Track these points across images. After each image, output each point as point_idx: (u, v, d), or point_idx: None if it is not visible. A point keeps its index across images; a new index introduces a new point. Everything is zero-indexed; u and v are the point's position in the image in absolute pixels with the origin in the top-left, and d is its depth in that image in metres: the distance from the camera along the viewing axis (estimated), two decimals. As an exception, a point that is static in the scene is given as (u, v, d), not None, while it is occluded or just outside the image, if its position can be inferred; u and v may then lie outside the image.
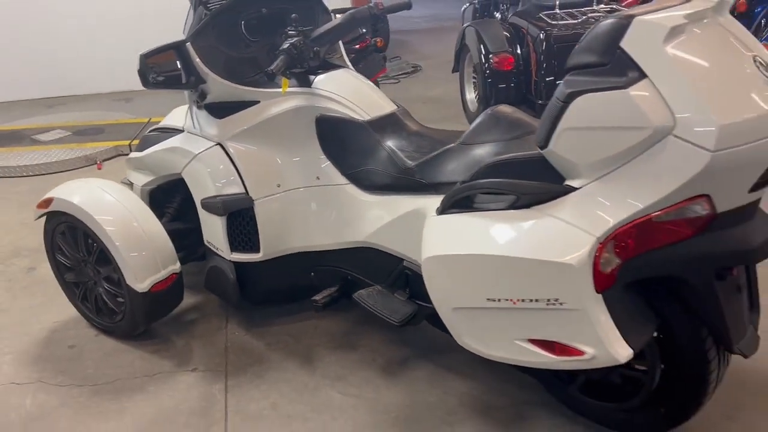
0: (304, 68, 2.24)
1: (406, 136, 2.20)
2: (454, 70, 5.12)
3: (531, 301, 1.57)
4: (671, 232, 1.49)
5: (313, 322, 2.56)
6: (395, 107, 2.33)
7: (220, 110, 2.33)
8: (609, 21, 1.47)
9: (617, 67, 1.44)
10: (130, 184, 2.77)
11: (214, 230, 2.35)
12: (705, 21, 1.52)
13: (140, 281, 2.29)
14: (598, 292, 1.50)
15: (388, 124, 2.24)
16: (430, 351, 2.34)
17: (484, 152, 1.88)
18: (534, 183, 1.61)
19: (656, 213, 1.46)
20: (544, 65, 4.11)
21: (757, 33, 4.81)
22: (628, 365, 1.79)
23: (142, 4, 6.23)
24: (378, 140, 2.18)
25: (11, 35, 6.25)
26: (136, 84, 2.23)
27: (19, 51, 6.30)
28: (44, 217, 2.52)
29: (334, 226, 2.29)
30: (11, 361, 2.44)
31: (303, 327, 2.54)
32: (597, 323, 1.51)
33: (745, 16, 5.21)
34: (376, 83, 4.98)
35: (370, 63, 4.81)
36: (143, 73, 2.17)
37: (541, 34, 4.10)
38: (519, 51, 4.39)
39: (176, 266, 2.39)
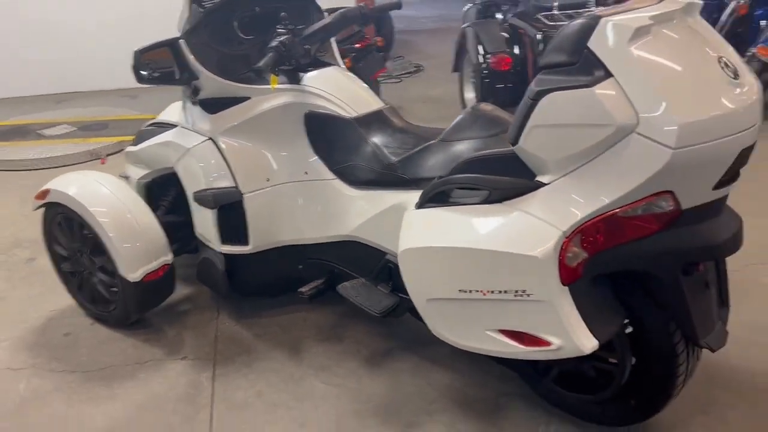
0: (292, 65, 2.30)
1: (392, 132, 2.25)
2: (453, 70, 5.17)
3: (500, 292, 1.62)
4: (637, 227, 1.54)
5: (302, 314, 2.62)
6: (382, 104, 2.38)
7: (213, 106, 2.39)
8: (578, 22, 1.52)
9: (585, 67, 1.48)
10: (128, 178, 2.84)
11: (205, 223, 2.42)
12: (673, 22, 1.57)
13: (132, 271, 2.35)
14: (564, 284, 1.55)
15: (374, 120, 2.29)
16: (414, 343, 2.39)
17: (462, 149, 1.93)
18: (505, 179, 1.66)
19: (622, 208, 1.50)
20: (541, 66, 4.14)
21: (757, 36, 4.82)
22: (600, 358, 1.84)
23: (148, 4, 6.31)
24: (364, 136, 2.24)
25: (21, 33, 6.37)
26: (141, 81, 2.31)
27: (28, 48, 6.42)
28: (43, 209, 2.59)
29: (321, 220, 2.35)
30: (8, 348, 2.51)
31: (292, 319, 2.60)
32: (563, 315, 1.55)
33: (746, 20, 5.22)
34: (377, 82, 5.05)
35: (371, 62, 4.88)
36: (137, 69, 2.24)
37: (538, 35, 4.15)
38: (517, 52, 4.43)
39: (168, 257, 2.45)
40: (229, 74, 2.36)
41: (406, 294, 1.92)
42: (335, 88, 2.34)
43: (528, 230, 1.57)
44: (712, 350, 1.71)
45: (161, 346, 2.49)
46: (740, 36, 5.28)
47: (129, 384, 2.29)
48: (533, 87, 1.54)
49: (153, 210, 2.56)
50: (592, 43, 1.47)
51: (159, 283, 2.44)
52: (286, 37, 2.20)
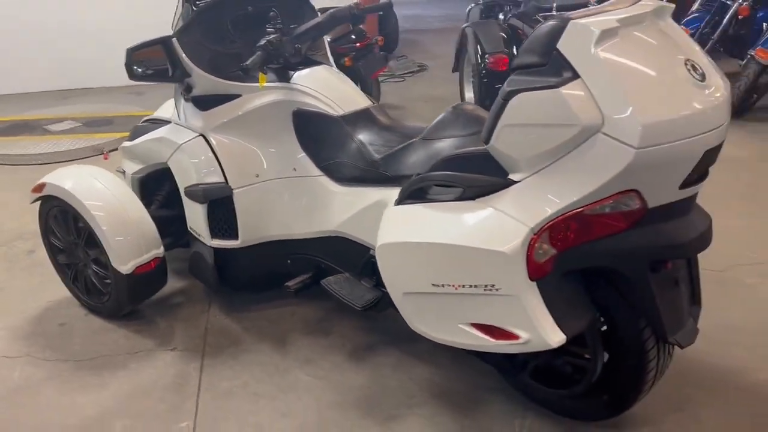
0: (281, 64, 2.35)
1: (377, 130, 2.30)
2: (453, 70, 5.20)
3: (470, 287, 1.66)
4: (605, 224, 1.57)
5: (290, 308, 2.67)
6: (369, 103, 2.43)
7: (205, 103, 2.44)
8: (549, 23, 1.55)
9: (554, 68, 1.52)
10: (124, 172, 2.91)
11: (196, 217, 2.47)
12: (644, 24, 1.60)
13: (124, 263, 2.41)
14: (532, 279, 1.59)
15: (360, 119, 2.34)
16: (399, 338, 2.44)
17: (442, 147, 1.97)
18: (479, 176, 1.70)
19: (589, 206, 1.54)
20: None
21: (758, 37, 4.82)
22: (574, 353, 1.88)
23: (158, 1, 6.38)
24: (350, 134, 2.28)
25: (31, 30, 6.46)
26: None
27: (36, 45, 6.51)
28: (39, 202, 2.66)
29: (308, 216, 2.40)
30: (4, 336, 2.58)
31: (281, 313, 2.65)
32: (530, 309, 1.59)
33: (747, 22, 5.23)
34: (377, 81, 5.10)
35: (371, 60, 4.93)
36: (129, 66, 2.30)
37: (536, 36, 4.16)
38: (515, 52, 4.46)
39: (159, 251, 2.51)
40: (221, 72, 2.41)
41: (388, 289, 1.96)
42: (324, 87, 2.39)
43: (498, 226, 1.61)
44: (681, 347, 1.74)
45: (153, 337, 2.55)
46: (742, 38, 5.29)
47: (119, 373, 2.35)
48: (505, 87, 1.58)
49: (147, 204, 2.62)
50: (561, 45, 1.51)
51: (150, 276, 2.50)
52: (274, 36, 2.25)
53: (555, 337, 1.60)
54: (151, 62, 2.36)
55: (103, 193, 2.46)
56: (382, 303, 2.18)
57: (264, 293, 2.73)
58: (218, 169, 2.40)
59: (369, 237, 2.19)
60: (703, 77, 1.55)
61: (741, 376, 2.20)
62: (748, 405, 2.08)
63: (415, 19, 10.22)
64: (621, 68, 1.48)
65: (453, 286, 1.69)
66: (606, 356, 1.85)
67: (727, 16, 5.24)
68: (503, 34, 4.53)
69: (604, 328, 1.83)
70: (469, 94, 5.07)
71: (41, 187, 2.56)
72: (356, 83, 4.85)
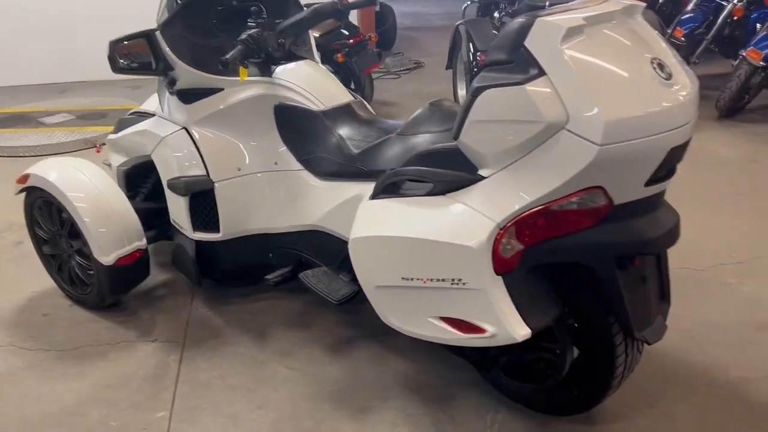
0: (262, 58, 2.36)
1: (357, 126, 2.31)
2: (447, 67, 5.21)
3: (438, 280, 1.68)
4: (571, 220, 1.59)
5: (272, 301, 2.69)
6: (351, 98, 2.44)
7: (189, 96, 2.46)
8: (517, 21, 1.57)
9: (521, 65, 1.53)
10: (110, 165, 2.93)
11: (178, 210, 2.49)
12: (613, 23, 1.61)
13: (106, 255, 2.43)
14: (498, 274, 1.60)
15: (341, 114, 2.35)
16: (378, 333, 2.45)
17: (417, 142, 1.99)
18: (449, 172, 1.72)
19: (555, 201, 1.56)
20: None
21: (752, 37, 4.81)
22: (545, 348, 1.89)
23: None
24: (330, 129, 2.30)
25: (27, 22, 6.49)
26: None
27: (33, 37, 6.54)
28: (24, 193, 2.68)
29: (288, 210, 2.42)
30: (-12, 326, 2.61)
31: (262, 306, 2.67)
32: (495, 303, 1.61)
33: (742, 22, 5.22)
34: (370, 77, 5.11)
35: (364, 57, 4.94)
36: (112, 59, 2.31)
37: (527, 34, 4.17)
38: (507, 50, 4.46)
39: (142, 243, 2.53)
40: (204, 66, 2.42)
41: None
42: (305, 82, 2.40)
43: (465, 221, 1.63)
44: (648, 343, 1.76)
45: (135, 328, 2.57)
46: (737, 38, 5.29)
47: (100, 363, 2.37)
48: (473, 84, 1.60)
49: (132, 197, 2.64)
50: (528, 42, 1.52)
51: (132, 268, 2.52)
52: (255, 30, 2.27)
53: (520, 330, 1.61)
54: (135, 55, 2.37)
55: (86, 185, 2.48)
56: (359, 297, 2.20)
57: (247, 286, 2.75)
58: (200, 162, 2.41)
59: (346, 231, 2.19)
60: (669, 76, 1.56)
61: (717, 374, 2.22)
62: (722, 402, 2.09)
63: (415, 17, 10.21)
64: (586, 66, 1.49)
65: (422, 279, 1.71)
66: (576, 352, 1.87)
67: (722, 17, 5.24)
68: (496, 32, 4.54)
69: (576, 325, 1.85)
70: (462, 92, 5.09)
71: (25, 178, 2.58)
72: (349, 79, 4.89)
